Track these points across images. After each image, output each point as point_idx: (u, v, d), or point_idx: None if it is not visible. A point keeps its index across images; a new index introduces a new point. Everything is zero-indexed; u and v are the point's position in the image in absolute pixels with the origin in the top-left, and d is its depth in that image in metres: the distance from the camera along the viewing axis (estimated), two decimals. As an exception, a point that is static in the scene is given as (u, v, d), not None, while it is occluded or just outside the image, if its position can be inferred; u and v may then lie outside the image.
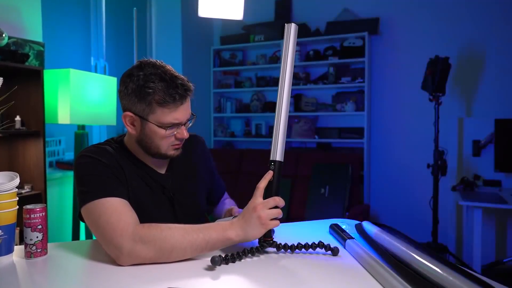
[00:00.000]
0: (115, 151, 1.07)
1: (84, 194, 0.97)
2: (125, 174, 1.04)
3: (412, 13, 3.59)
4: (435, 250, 2.85)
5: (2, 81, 0.97)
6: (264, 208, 0.93)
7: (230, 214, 1.18)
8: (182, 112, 1.04)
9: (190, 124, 1.11)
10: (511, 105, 3.24)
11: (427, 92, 2.97)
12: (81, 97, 2.33)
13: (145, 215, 1.00)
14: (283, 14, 4.05)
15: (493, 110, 3.29)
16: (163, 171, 1.14)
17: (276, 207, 0.94)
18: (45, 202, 2.24)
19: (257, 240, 0.97)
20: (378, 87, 3.74)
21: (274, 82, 4.08)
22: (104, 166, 1.01)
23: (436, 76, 2.87)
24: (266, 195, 0.95)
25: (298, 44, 3.77)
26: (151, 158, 1.11)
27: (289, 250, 0.98)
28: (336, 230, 1.12)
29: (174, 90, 1.00)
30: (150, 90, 0.99)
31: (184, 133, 1.07)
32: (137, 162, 1.10)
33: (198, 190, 1.21)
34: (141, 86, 1.00)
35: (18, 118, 2.15)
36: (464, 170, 3.28)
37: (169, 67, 1.05)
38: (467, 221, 3.20)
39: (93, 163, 1.00)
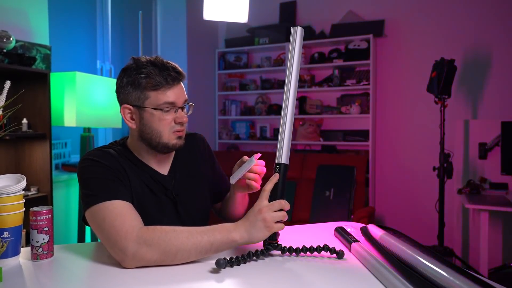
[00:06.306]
0: (118, 153, 1.08)
1: (88, 197, 0.97)
2: (128, 177, 1.05)
3: (417, 15, 3.58)
4: (441, 254, 2.83)
5: (9, 84, 0.98)
6: (269, 210, 0.93)
7: (241, 163, 1.08)
8: (175, 93, 1.06)
9: (190, 112, 1.14)
10: (518, 107, 3.22)
11: (432, 95, 2.96)
12: (87, 100, 2.34)
13: (149, 218, 1.00)
14: (288, 16, 4.05)
15: (499, 112, 3.27)
16: (165, 172, 1.14)
17: (281, 210, 0.94)
18: (51, 204, 2.25)
19: (262, 242, 0.97)
20: (383, 90, 3.73)
21: (279, 84, 4.08)
22: (108, 169, 1.01)
23: (442, 78, 2.85)
24: (271, 198, 0.95)
25: (303, 46, 3.76)
26: (154, 156, 1.11)
27: (294, 253, 0.97)
28: (341, 233, 1.12)
29: (166, 72, 1.04)
30: (143, 75, 1.04)
31: (183, 117, 1.08)
32: (140, 164, 1.10)
33: (202, 190, 1.21)
34: (135, 75, 1.05)
35: (25, 120, 2.17)
36: (471, 173, 3.26)
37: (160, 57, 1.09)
38: (474, 224, 3.17)
39: (97, 166, 1.01)
